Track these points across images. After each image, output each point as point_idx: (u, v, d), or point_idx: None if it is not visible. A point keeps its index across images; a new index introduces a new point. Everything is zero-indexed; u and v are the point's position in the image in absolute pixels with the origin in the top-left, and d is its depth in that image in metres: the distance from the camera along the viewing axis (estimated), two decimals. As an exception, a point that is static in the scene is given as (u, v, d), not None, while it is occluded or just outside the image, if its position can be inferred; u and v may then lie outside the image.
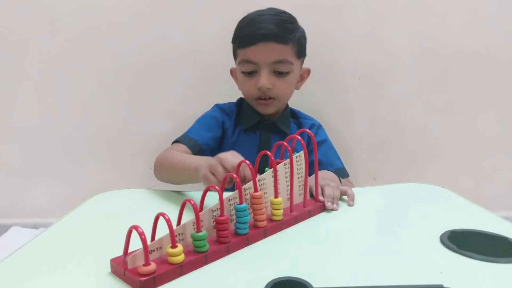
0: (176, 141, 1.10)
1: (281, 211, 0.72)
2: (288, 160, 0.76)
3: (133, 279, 0.52)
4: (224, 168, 0.75)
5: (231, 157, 0.76)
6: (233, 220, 0.67)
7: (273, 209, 0.72)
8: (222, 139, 1.15)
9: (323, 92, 1.41)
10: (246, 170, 0.74)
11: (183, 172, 0.95)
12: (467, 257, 0.60)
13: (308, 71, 1.19)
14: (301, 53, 1.12)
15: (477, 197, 0.96)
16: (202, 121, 1.16)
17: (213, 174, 0.77)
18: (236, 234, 0.66)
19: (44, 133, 1.40)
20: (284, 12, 1.10)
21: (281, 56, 1.05)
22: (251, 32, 1.05)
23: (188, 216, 0.60)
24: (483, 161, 1.49)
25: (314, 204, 0.80)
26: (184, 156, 1.01)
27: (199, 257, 0.58)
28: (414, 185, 1.00)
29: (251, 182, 0.69)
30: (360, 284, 0.53)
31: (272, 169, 0.73)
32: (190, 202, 0.58)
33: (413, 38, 1.39)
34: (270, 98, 1.09)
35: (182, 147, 1.07)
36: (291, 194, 0.76)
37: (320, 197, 0.82)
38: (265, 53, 1.05)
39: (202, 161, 0.85)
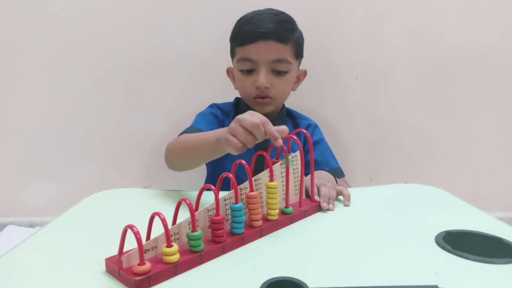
0: (183, 133, 1.06)
1: (276, 211, 0.72)
2: (284, 160, 0.76)
3: (128, 278, 0.52)
4: (244, 128, 0.74)
5: (250, 116, 0.74)
6: (228, 219, 0.67)
7: (268, 192, 0.71)
8: None
9: (321, 92, 1.42)
10: (267, 125, 0.73)
11: (204, 147, 0.91)
12: (462, 257, 0.60)
13: (304, 73, 1.19)
14: (299, 54, 1.12)
15: (473, 197, 0.97)
16: (204, 117, 1.14)
17: (235, 136, 0.75)
18: (232, 233, 0.66)
19: (40, 132, 1.40)
20: (283, 13, 1.10)
21: (280, 55, 1.05)
22: (251, 30, 1.05)
23: (184, 216, 0.60)
24: (479, 162, 1.50)
25: (309, 204, 0.81)
26: (201, 133, 0.98)
27: (194, 256, 0.58)
28: (410, 185, 1.00)
29: (247, 182, 0.69)
30: (355, 284, 0.53)
31: (268, 169, 0.73)
32: (186, 202, 0.58)
33: (410, 39, 1.40)
34: (268, 97, 1.09)
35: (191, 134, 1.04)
36: (286, 193, 0.76)
37: (316, 197, 0.82)
38: (264, 51, 1.04)
39: (221, 131, 0.83)
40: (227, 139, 0.75)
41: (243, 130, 0.73)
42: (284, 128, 0.74)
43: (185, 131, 1.06)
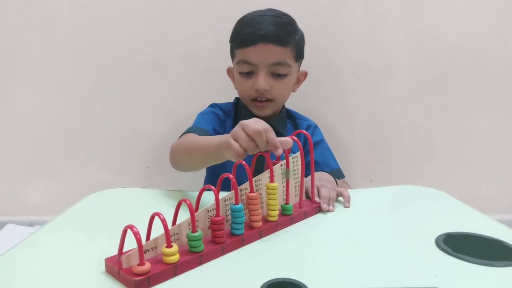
0: (186, 132, 1.05)
1: (276, 212, 0.72)
2: (284, 161, 0.76)
3: (127, 278, 0.52)
4: (247, 134, 0.72)
5: (253, 123, 0.73)
6: (228, 220, 0.67)
7: (268, 193, 0.71)
8: None
9: (321, 93, 1.42)
10: (269, 133, 0.71)
11: (205, 150, 0.90)
12: (462, 260, 0.60)
13: (305, 74, 1.18)
14: (299, 56, 1.11)
15: (473, 199, 0.97)
16: (206, 116, 1.13)
17: (236, 141, 0.74)
18: (232, 234, 0.66)
19: (40, 131, 1.40)
20: (284, 14, 1.09)
21: (280, 58, 1.05)
22: (251, 33, 1.04)
23: (184, 216, 0.60)
24: (479, 163, 1.50)
25: (310, 205, 0.80)
26: (204, 137, 0.98)
27: (194, 257, 0.58)
28: (410, 187, 1.00)
29: (247, 183, 0.69)
30: (355, 286, 0.53)
31: (268, 170, 0.73)
32: (186, 202, 0.58)
33: (410, 40, 1.40)
34: (267, 100, 1.08)
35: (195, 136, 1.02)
36: (287, 195, 0.76)
37: (316, 198, 0.82)
38: (264, 54, 1.04)
39: (224, 136, 0.81)
40: (229, 142, 0.74)
41: (245, 136, 0.72)
42: (288, 140, 0.73)
43: (188, 131, 1.05)
